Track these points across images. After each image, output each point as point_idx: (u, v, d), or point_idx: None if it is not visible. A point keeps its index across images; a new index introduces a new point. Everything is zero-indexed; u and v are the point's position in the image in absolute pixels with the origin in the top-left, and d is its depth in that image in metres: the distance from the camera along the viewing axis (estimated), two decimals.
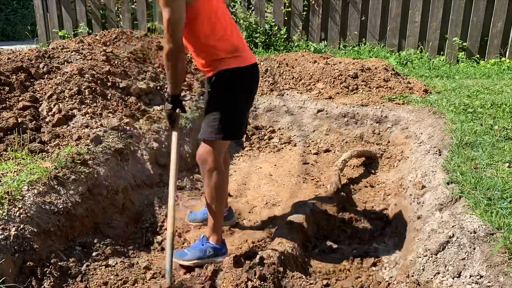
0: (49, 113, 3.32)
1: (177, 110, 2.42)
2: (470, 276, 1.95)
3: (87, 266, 2.31)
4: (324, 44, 7.15)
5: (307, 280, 2.41)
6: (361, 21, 7.06)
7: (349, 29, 7.14)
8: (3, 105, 3.22)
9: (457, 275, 2.03)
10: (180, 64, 2.27)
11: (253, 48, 7.08)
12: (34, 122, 3.18)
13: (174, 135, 2.44)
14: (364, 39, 7.10)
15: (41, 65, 3.81)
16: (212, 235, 2.57)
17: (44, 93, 3.50)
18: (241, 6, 7.23)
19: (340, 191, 3.47)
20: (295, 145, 4.64)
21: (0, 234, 2.03)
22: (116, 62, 4.40)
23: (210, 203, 2.54)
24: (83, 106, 3.53)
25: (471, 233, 2.13)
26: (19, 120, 3.11)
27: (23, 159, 2.70)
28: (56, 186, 2.49)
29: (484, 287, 1.87)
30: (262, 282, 2.21)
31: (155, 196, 3.26)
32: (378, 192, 3.69)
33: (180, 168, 3.75)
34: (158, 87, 4.41)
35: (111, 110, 3.64)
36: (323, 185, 3.70)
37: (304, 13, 7.17)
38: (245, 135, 4.73)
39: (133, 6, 7.83)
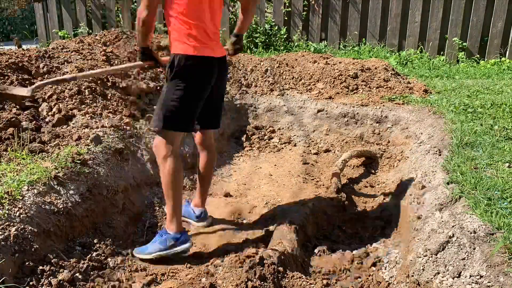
0: (49, 113, 3.32)
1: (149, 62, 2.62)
2: (470, 276, 1.95)
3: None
4: (324, 44, 7.15)
5: (307, 280, 2.41)
6: (361, 21, 7.06)
7: (349, 29, 7.14)
8: (3, 105, 3.22)
9: (457, 275, 2.03)
10: (143, 29, 2.41)
11: (253, 48, 7.08)
12: (34, 122, 3.18)
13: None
14: (364, 39, 7.10)
15: (41, 65, 3.81)
16: (171, 225, 2.56)
17: (44, 93, 3.50)
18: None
19: (340, 191, 3.47)
20: (295, 145, 4.64)
21: (0, 234, 2.03)
22: (116, 62, 4.40)
23: (166, 191, 2.55)
24: (83, 106, 3.53)
25: (471, 233, 2.13)
26: (19, 120, 3.11)
27: (23, 159, 2.70)
28: (56, 186, 2.49)
29: (484, 287, 1.87)
30: (262, 282, 2.21)
31: (155, 196, 3.26)
32: (378, 192, 3.69)
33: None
34: (158, 87, 4.41)
35: (111, 110, 3.64)
36: (323, 185, 3.70)
37: (304, 13, 7.18)
38: (245, 135, 4.73)
39: (133, 6, 7.83)
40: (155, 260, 2.52)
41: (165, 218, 3.07)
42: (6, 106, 3.22)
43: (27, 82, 3.56)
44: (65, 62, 4.04)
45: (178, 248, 2.54)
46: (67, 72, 3.81)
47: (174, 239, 2.54)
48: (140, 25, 2.43)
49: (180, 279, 2.40)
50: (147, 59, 2.61)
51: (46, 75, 3.73)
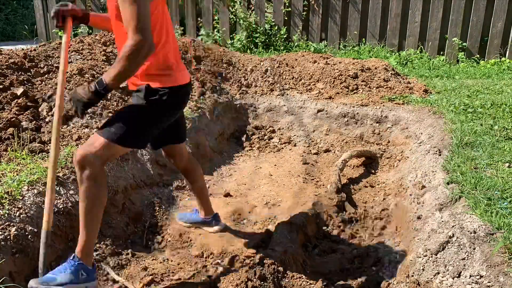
0: (49, 113, 3.32)
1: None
2: (470, 276, 1.95)
3: None
4: (324, 44, 7.15)
5: (307, 280, 2.41)
6: (361, 21, 7.06)
7: (349, 29, 7.14)
8: (3, 105, 3.22)
9: (457, 275, 2.03)
10: (142, 62, 1.96)
11: (253, 48, 7.09)
12: (34, 122, 3.18)
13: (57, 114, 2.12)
14: (364, 39, 7.10)
15: (41, 65, 3.81)
16: (87, 256, 2.12)
17: (44, 93, 3.49)
18: (241, 6, 7.23)
19: (340, 191, 3.47)
20: (295, 145, 4.64)
21: (0, 234, 2.03)
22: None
23: (85, 215, 2.10)
24: None
25: (471, 233, 2.13)
26: (19, 120, 3.11)
27: (23, 159, 2.70)
28: (56, 186, 2.49)
29: (484, 287, 1.87)
30: (262, 282, 2.21)
31: (155, 196, 3.26)
32: (378, 192, 3.69)
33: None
34: None
35: (111, 110, 3.64)
36: (323, 185, 3.71)
37: (304, 13, 7.18)
38: (245, 135, 4.73)
39: None
40: None
41: (165, 218, 3.08)
42: (6, 106, 3.22)
43: (27, 82, 3.57)
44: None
45: (89, 284, 2.10)
46: (67, 72, 3.81)
47: (86, 272, 2.09)
48: (131, 60, 1.90)
49: (180, 279, 2.40)
50: (100, 100, 2.07)
51: (46, 75, 3.73)
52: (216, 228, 2.92)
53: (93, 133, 3.13)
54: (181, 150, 2.62)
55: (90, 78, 3.83)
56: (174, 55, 2.22)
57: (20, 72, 3.60)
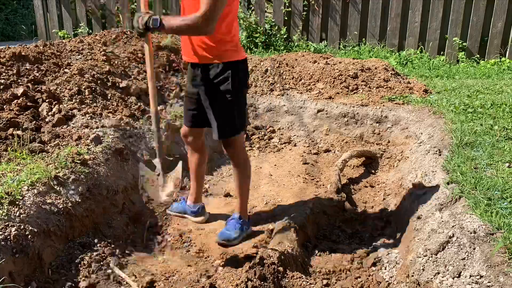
0: (49, 113, 3.32)
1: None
2: (470, 276, 1.95)
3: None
4: (324, 44, 7.15)
5: (307, 280, 2.41)
6: (361, 21, 7.06)
7: (349, 29, 7.14)
8: (3, 105, 3.22)
9: (457, 275, 2.03)
10: (192, 35, 2.45)
11: (253, 48, 7.08)
12: (34, 122, 3.18)
13: (146, 48, 2.56)
14: (364, 39, 7.10)
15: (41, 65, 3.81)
16: (245, 212, 2.94)
17: (44, 93, 3.49)
18: (241, 6, 7.22)
19: (340, 191, 3.47)
20: (295, 145, 4.64)
21: (0, 234, 2.03)
22: (116, 62, 4.40)
23: (245, 185, 2.84)
24: (83, 106, 3.53)
25: (471, 233, 2.13)
26: (19, 120, 3.11)
27: (23, 159, 2.70)
28: (56, 186, 2.49)
29: (484, 287, 1.87)
30: (262, 282, 2.21)
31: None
32: (378, 192, 3.69)
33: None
34: (158, 87, 4.41)
35: (111, 110, 3.64)
36: (323, 185, 3.70)
37: (304, 13, 7.18)
38: (245, 135, 4.73)
39: (133, 6, 7.83)
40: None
41: (165, 218, 3.08)
42: (5, 106, 3.22)
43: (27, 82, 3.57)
44: (66, 63, 4.04)
45: (249, 230, 2.91)
46: (67, 72, 3.81)
47: (247, 225, 2.89)
48: (187, 28, 2.32)
49: (181, 279, 2.40)
50: (149, 31, 2.47)
51: (46, 74, 3.74)
52: (200, 218, 3.08)
53: (93, 133, 3.14)
54: (203, 132, 2.97)
55: (90, 78, 3.83)
56: (238, 33, 2.64)
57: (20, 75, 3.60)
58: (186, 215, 3.10)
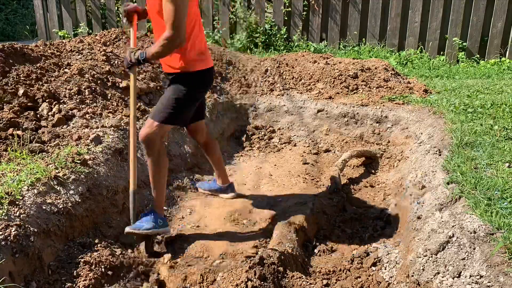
0: (49, 113, 3.32)
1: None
2: (470, 276, 1.95)
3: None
4: (324, 44, 7.15)
5: (307, 280, 2.41)
6: (361, 21, 7.06)
7: (349, 29, 7.14)
8: (2, 105, 3.22)
9: (457, 275, 2.03)
10: (172, 52, 2.55)
11: (253, 48, 7.09)
12: (34, 122, 3.18)
13: (132, 77, 2.70)
14: (364, 39, 7.10)
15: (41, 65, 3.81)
16: (158, 208, 2.79)
17: (44, 93, 3.49)
18: (241, 6, 7.23)
19: (340, 191, 3.47)
20: (295, 145, 4.64)
21: (0, 234, 2.03)
22: (116, 62, 4.40)
23: (153, 180, 2.75)
24: (83, 106, 3.53)
25: (471, 233, 2.13)
26: (19, 120, 3.11)
27: (23, 159, 2.70)
28: (56, 186, 2.49)
29: (484, 287, 1.87)
30: (262, 282, 2.21)
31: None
32: (378, 192, 3.69)
33: (180, 168, 3.75)
34: (158, 87, 4.41)
35: (111, 110, 3.64)
36: (323, 185, 3.70)
37: (304, 13, 7.18)
38: (245, 135, 4.74)
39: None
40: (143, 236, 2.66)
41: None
42: (5, 106, 3.22)
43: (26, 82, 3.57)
44: (66, 63, 4.04)
45: (166, 229, 2.76)
46: (67, 72, 3.81)
47: (161, 220, 2.73)
48: (164, 48, 2.47)
49: (180, 280, 2.40)
50: (138, 65, 2.76)
51: (46, 74, 3.73)
52: (230, 195, 3.41)
53: (93, 133, 3.14)
54: (202, 126, 3.17)
55: (90, 78, 3.83)
56: (204, 41, 2.80)
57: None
58: (218, 193, 3.42)
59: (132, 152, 2.66)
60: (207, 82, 2.85)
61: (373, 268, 2.70)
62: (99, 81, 3.89)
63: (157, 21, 2.61)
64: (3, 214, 2.12)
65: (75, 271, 2.23)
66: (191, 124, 3.08)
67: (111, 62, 4.35)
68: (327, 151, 4.47)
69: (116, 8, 7.84)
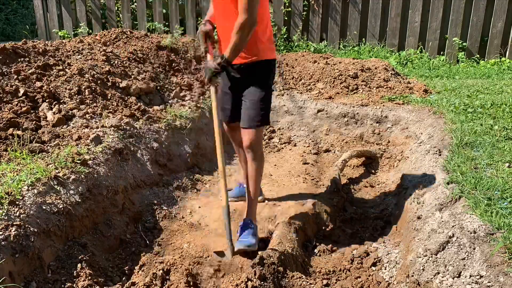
0: (49, 113, 3.32)
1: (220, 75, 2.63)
2: (470, 276, 1.95)
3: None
4: (324, 44, 7.15)
5: (307, 280, 2.41)
6: (361, 21, 7.06)
7: (349, 29, 7.14)
8: (2, 105, 3.22)
9: (457, 275, 2.03)
10: (249, 37, 2.47)
11: None
12: (34, 122, 3.18)
13: (213, 91, 2.69)
14: (364, 39, 7.10)
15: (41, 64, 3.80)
16: (255, 215, 2.82)
17: (44, 93, 3.49)
18: None
19: (340, 191, 3.47)
20: (295, 145, 4.64)
21: (0, 234, 2.03)
22: (116, 62, 4.40)
23: (256, 184, 2.75)
24: (83, 106, 3.53)
25: (471, 233, 2.13)
26: (19, 120, 3.11)
27: (23, 159, 2.70)
28: (56, 186, 2.48)
29: (484, 287, 1.87)
30: (262, 282, 2.21)
31: (155, 196, 3.26)
32: (378, 192, 3.69)
33: (180, 168, 3.74)
34: (158, 87, 4.41)
35: (111, 110, 3.64)
36: (323, 185, 3.70)
37: (304, 13, 7.18)
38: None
39: (133, 6, 7.83)
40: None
41: (166, 218, 3.08)
42: (5, 106, 3.22)
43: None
44: (66, 63, 4.04)
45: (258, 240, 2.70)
46: (67, 72, 3.81)
47: (256, 228, 2.75)
48: (239, 37, 2.44)
49: (181, 280, 2.40)
50: (224, 71, 2.62)
51: (46, 74, 3.73)
52: (259, 198, 3.13)
53: (93, 133, 3.14)
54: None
55: (90, 78, 3.83)
56: (271, 31, 2.75)
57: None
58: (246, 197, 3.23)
59: (221, 166, 2.61)
60: (273, 75, 2.80)
61: (373, 268, 2.70)
62: (99, 81, 3.89)
63: (228, 11, 2.56)
64: (3, 214, 2.12)
65: (75, 271, 2.23)
66: (236, 122, 2.89)
67: (111, 62, 4.35)
68: (327, 151, 4.47)
69: (116, 8, 7.84)
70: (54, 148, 2.93)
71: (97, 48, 4.63)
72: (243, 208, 3.28)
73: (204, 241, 2.86)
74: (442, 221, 2.41)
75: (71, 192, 2.55)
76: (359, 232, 3.16)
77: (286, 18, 7.24)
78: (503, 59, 6.70)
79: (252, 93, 2.67)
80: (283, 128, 4.80)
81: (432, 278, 2.16)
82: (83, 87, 3.69)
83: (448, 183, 2.72)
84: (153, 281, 2.26)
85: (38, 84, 3.57)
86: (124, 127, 3.44)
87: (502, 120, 3.67)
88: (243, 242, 2.58)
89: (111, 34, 5.29)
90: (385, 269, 2.66)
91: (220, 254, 2.57)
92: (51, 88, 3.55)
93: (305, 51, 6.23)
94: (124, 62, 4.51)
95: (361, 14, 7.05)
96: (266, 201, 3.29)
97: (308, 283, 2.39)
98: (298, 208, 3.18)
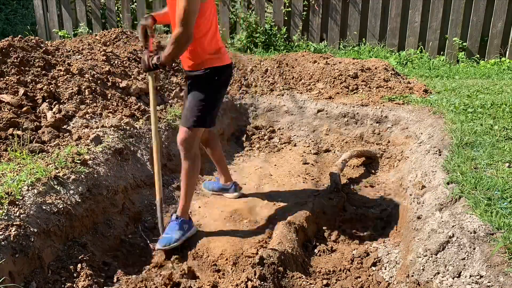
0: (49, 113, 3.32)
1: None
2: (470, 276, 1.95)
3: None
4: (324, 44, 7.15)
5: (307, 280, 2.41)
6: (361, 21, 7.06)
7: (349, 29, 7.14)
8: (2, 106, 3.22)
9: (457, 275, 2.03)
10: (184, 50, 2.60)
11: (253, 48, 7.08)
12: (34, 122, 3.18)
13: (150, 79, 2.74)
14: (364, 39, 7.10)
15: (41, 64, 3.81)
16: (184, 212, 2.85)
17: (44, 93, 3.49)
18: (241, 6, 7.23)
19: (340, 191, 3.47)
20: (295, 145, 4.64)
21: (0, 234, 2.03)
22: (116, 62, 4.40)
23: (186, 183, 2.79)
24: (83, 106, 3.53)
25: (471, 233, 2.13)
26: (19, 120, 3.11)
27: (23, 159, 2.70)
28: (56, 186, 2.49)
29: (484, 287, 1.87)
30: (262, 282, 2.21)
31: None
32: (378, 192, 3.69)
33: (180, 168, 3.74)
34: (158, 87, 4.41)
35: (111, 110, 3.64)
36: (323, 185, 3.70)
37: (304, 13, 7.17)
38: (245, 135, 4.74)
39: (133, 6, 7.83)
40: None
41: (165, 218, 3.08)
42: (5, 106, 3.22)
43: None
44: (66, 63, 4.04)
45: (192, 231, 2.84)
46: (66, 75, 3.81)
47: (187, 224, 2.81)
48: (175, 48, 2.52)
49: (181, 281, 2.40)
50: (157, 70, 2.77)
51: (47, 73, 3.73)
52: (234, 194, 3.40)
53: (93, 133, 3.14)
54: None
55: (90, 78, 3.83)
56: (220, 40, 2.85)
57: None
58: (222, 192, 3.43)
59: (156, 159, 2.73)
60: (224, 79, 2.89)
61: (373, 268, 2.70)
62: (99, 81, 3.89)
63: (174, 15, 2.64)
64: (3, 214, 2.12)
65: (75, 271, 2.23)
66: None
67: (111, 62, 4.36)
68: (327, 151, 4.47)
69: (116, 8, 7.84)
70: (54, 148, 2.93)
71: (97, 48, 4.63)
72: (244, 207, 3.29)
73: (205, 241, 2.86)
74: (442, 221, 2.41)
75: (71, 192, 2.55)
76: (359, 232, 3.16)
77: (286, 18, 7.24)
78: (503, 59, 6.69)
79: (192, 95, 2.78)
80: (283, 128, 4.80)
81: (432, 278, 2.16)
82: (83, 87, 3.69)
83: (448, 183, 2.72)
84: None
85: (38, 84, 3.57)
86: (124, 127, 3.44)
87: (502, 120, 3.67)
88: (161, 241, 2.69)
89: (111, 34, 5.29)
90: (385, 269, 2.67)
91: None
92: (51, 88, 3.55)
93: (305, 51, 6.22)
94: (124, 62, 4.51)
95: (361, 14, 7.04)
96: (242, 197, 3.43)
97: (308, 283, 2.39)
98: (298, 208, 3.19)
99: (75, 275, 2.22)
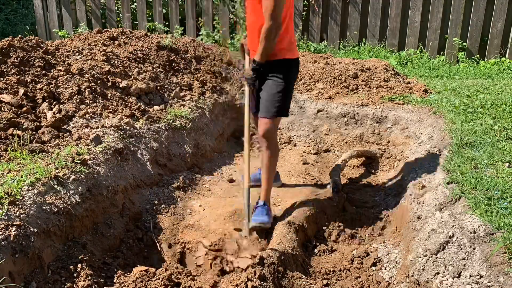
0: (49, 113, 3.32)
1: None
2: (470, 276, 1.96)
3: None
4: (324, 44, 7.15)
5: (307, 280, 2.41)
6: (361, 21, 7.06)
7: (349, 29, 7.14)
8: (2, 106, 3.21)
9: (457, 275, 2.03)
10: (276, 40, 2.76)
11: None
12: (34, 122, 3.18)
13: (247, 89, 3.08)
14: (364, 39, 7.10)
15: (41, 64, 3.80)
16: (268, 197, 3.08)
17: (44, 93, 3.49)
18: (241, 6, 7.22)
19: (340, 191, 3.47)
20: (295, 145, 4.64)
21: (0, 234, 2.03)
22: (116, 62, 4.40)
23: (268, 172, 3.01)
24: (83, 106, 3.53)
25: (471, 233, 2.13)
26: (19, 120, 3.11)
27: (23, 159, 2.70)
28: (56, 186, 2.48)
29: (484, 287, 1.87)
30: (262, 282, 2.21)
31: (155, 196, 3.26)
32: (378, 192, 3.69)
33: (180, 168, 3.75)
34: (158, 87, 4.41)
35: (111, 110, 3.64)
36: (323, 185, 3.70)
37: (304, 13, 7.18)
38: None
39: (133, 6, 7.83)
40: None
41: (165, 218, 3.08)
42: (5, 106, 3.22)
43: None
44: (66, 63, 4.04)
45: (271, 219, 2.98)
46: (66, 75, 3.81)
47: (269, 209, 3.01)
48: (267, 40, 2.72)
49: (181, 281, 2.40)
50: (258, 72, 2.94)
51: (47, 73, 3.73)
52: (277, 183, 3.54)
53: (93, 133, 3.14)
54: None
55: (90, 78, 3.83)
56: (294, 34, 3.03)
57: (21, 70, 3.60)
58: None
59: (247, 149, 3.04)
60: (296, 71, 3.05)
61: (373, 268, 2.70)
62: (99, 81, 3.89)
63: (257, 12, 2.81)
64: (3, 214, 2.12)
65: (75, 271, 2.23)
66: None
67: (111, 62, 4.35)
68: (327, 151, 4.47)
69: (116, 8, 7.84)
70: (54, 148, 2.93)
71: (97, 48, 4.63)
72: (243, 207, 3.29)
73: (205, 242, 2.86)
74: (442, 221, 2.41)
75: (71, 192, 2.55)
76: (359, 232, 3.16)
77: None
78: (503, 59, 6.70)
79: (269, 86, 2.94)
80: (283, 128, 4.80)
81: (432, 278, 2.16)
82: (83, 87, 3.69)
83: (448, 183, 2.72)
84: None
85: (38, 84, 3.57)
86: (124, 127, 3.44)
87: (502, 120, 3.67)
88: (256, 220, 2.89)
89: (111, 34, 5.29)
90: (385, 269, 2.67)
91: (239, 231, 2.91)
92: (51, 88, 3.55)
93: (305, 51, 6.23)
94: (124, 62, 4.51)
95: (361, 14, 7.05)
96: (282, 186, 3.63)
97: (308, 283, 2.39)
98: (298, 208, 3.19)
99: (75, 275, 2.22)
